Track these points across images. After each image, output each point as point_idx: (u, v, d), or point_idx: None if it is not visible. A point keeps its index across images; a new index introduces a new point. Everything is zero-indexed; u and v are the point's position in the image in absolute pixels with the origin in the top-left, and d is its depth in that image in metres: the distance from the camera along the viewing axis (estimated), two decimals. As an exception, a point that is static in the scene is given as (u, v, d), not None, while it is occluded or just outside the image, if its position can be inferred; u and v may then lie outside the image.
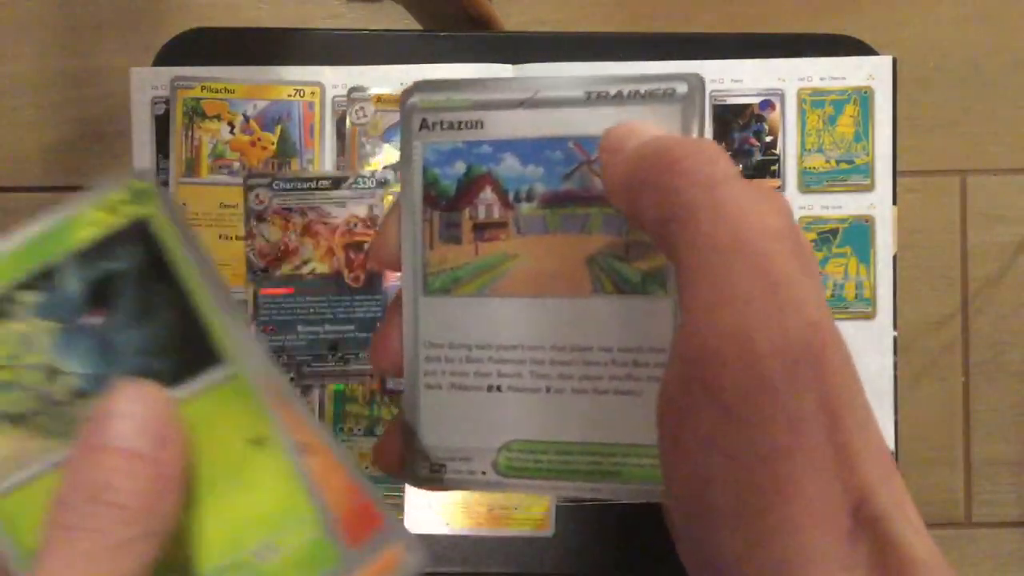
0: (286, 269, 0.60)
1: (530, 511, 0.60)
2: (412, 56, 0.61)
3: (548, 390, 0.26)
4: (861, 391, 0.22)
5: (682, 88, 0.25)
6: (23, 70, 0.66)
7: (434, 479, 0.27)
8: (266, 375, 0.22)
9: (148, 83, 0.61)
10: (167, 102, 0.60)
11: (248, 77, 0.60)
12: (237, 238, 0.60)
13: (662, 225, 0.22)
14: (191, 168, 0.60)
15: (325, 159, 0.60)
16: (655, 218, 0.23)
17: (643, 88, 0.25)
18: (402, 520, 0.25)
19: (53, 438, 0.22)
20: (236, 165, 0.60)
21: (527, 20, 0.68)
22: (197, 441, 0.22)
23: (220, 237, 0.60)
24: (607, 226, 0.26)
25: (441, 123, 0.26)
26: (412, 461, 0.27)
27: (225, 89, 0.60)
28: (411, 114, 0.27)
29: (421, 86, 0.27)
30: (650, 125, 0.24)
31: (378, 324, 0.29)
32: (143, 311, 0.22)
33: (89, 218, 0.22)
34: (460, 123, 0.26)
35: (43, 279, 0.22)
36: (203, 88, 0.60)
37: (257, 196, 0.60)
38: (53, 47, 0.67)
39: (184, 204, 0.60)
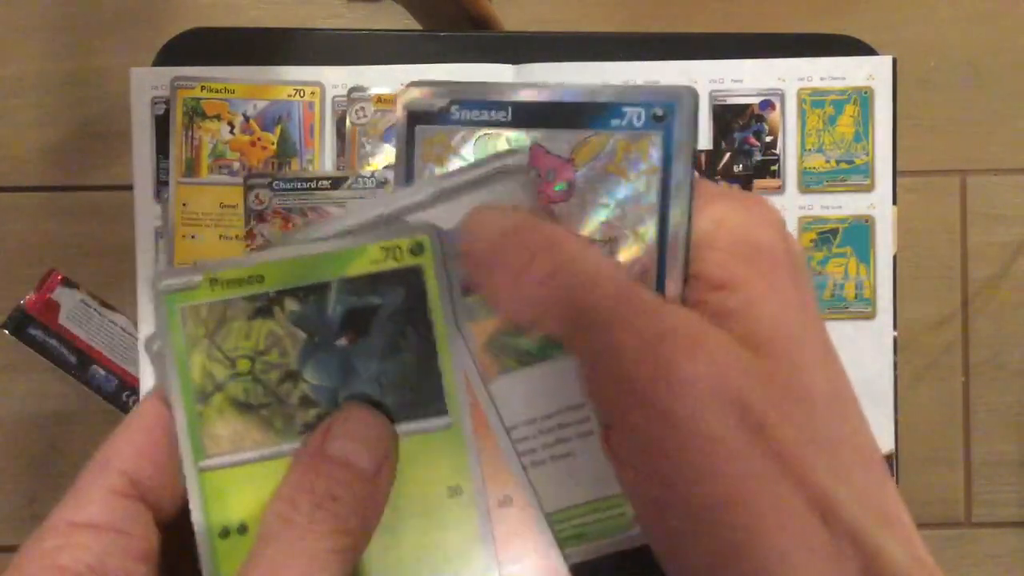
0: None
1: (530, 511, 0.60)
2: (412, 56, 0.61)
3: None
4: (805, 403, 0.21)
5: (513, 162, 0.25)
6: (23, 70, 0.66)
7: None
8: (476, 423, 0.25)
9: (148, 83, 0.61)
10: (167, 102, 0.60)
11: (248, 77, 0.60)
12: (237, 238, 0.60)
13: (577, 348, 0.23)
14: (191, 168, 0.60)
15: (325, 159, 0.60)
16: (566, 338, 0.23)
17: (477, 174, 0.25)
18: None
19: (271, 434, 0.24)
20: (236, 165, 0.60)
21: (527, 20, 0.68)
22: (404, 477, 0.24)
23: (220, 237, 0.60)
24: (490, 308, 0.25)
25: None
26: None
27: (225, 89, 0.60)
28: None
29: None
30: (504, 214, 0.24)
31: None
32: (389, 347, 0.24)
33: (371, 254, 0.24)
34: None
35: (310, 293, 0.24)
36: (203, 88, 0.60)
37: (257, 196, 0.60)
38: (53, 47, 0.67)
39: (184, 204, 0.60)
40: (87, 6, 0.67)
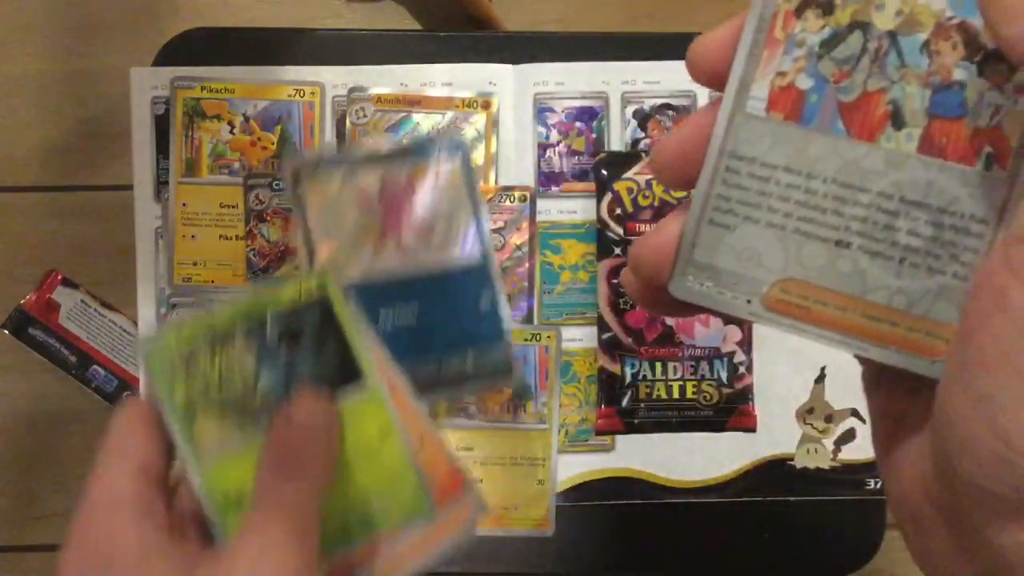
0: (286, 269, 0.60)
1: (530, 511, 0.60)
2: (412, 56, 0.61)
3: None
4: None
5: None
6: (23, 70, 0.66)
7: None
8: (392, 386, 0.35)
9: (148, 83, 0.61)
10: (167, 102, 0.60)
11: (248, 77, 0.60)
12: (237, 238, 0.60)
13: None
14: (191, 168, 0.60)
15: (325, 159, 0.60)
16: None
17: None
18: (478, 488, 0.36)
19: (246, 429, 0.33)
20: (236, 165, 0.60)
21: (527, 20, 0.68)
22: (347, 431, 0.34)
23: (220, 237, 0.60)
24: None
25: None
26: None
27: (225, 89, 0.60)
28: None
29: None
30: None
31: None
32: (317, 350, 0.34)
33: (288, 294, 0.35)
34: None
35: (254, 325, 0.34)
36: (203, 88, 0.60)
37: (257, 196, 0.60)
38: (53, 47, 0.67)
39: (184, 204, 0.60)
40: (87, 6, 0.67)
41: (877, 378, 0.25)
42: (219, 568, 0.29)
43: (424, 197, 0.41)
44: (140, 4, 0.67)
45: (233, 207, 0.60)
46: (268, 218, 0.60)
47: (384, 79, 0.61)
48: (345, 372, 0.35)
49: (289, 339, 0.34)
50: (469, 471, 0.35)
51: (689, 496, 0.61)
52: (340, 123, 0.61)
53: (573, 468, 0.60)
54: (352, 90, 0.60)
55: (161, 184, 0.61)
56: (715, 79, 0.25)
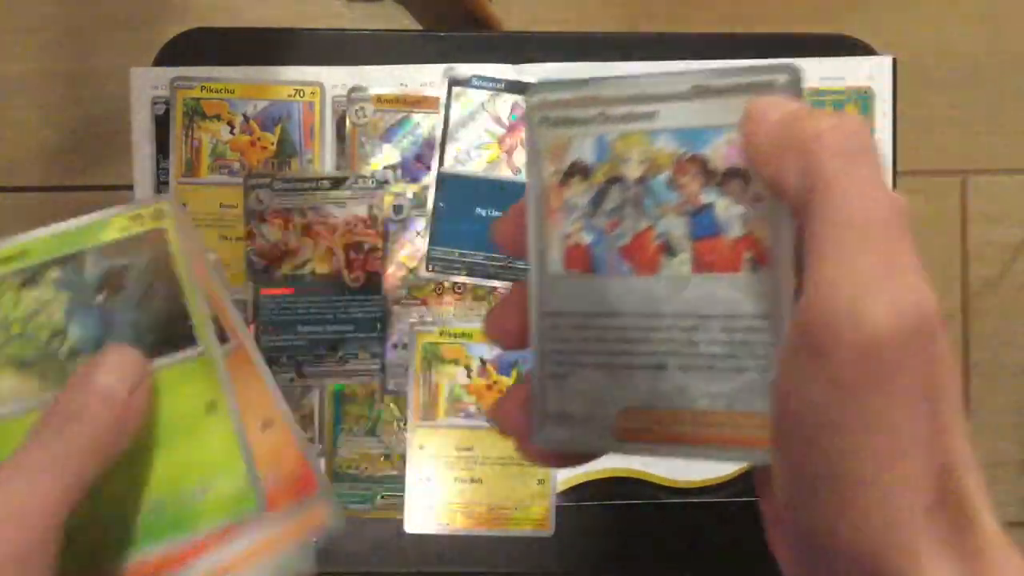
0: (286, 269, 0.60)
1: (530, 511, 0.60)
2: (412, 56, 0.61)
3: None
4: (959, 382, 0.23)
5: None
6: (23, 70, 0.66)
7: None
8: (239, 358, 0.29)
9: (148, 83, 0.61)
10: (167, 102, 0.60)
11: (248, 77, 0.60)
12: (237, 238, 0.60)
13: (802, 194, 0.23)
14: (191, 168, 0.60)
15: (325, 159, 0.60)
16: (796, 186, 0.23)
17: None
18: (332, 490, 0.32)
19: (47, 384, 0.28)
20: (236, 165, 0.60)
21: (527, 20, 0.68)
22: (164, 401, 0.28)
23: (220, 237, 0.60)
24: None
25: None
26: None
27: (225, 89, 0.60)
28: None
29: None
30: (789, 101, 0.25)
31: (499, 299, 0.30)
32: (143, 298, 0.29)
33: (118, 223, 0.29)
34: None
35: (70, 261, 0.28)
36: (203, 88, 0.60)
37: (257, 196, 0.60)
38: (53, 47, 0.67)
39: (184, 205, 0.60)
40: (87, 6, 0.67)
41: (763, 479, 0.28)
42: None
43: None
44: (140, 4, 0.67)
45: (233, 207, 0.60)
46: (268, 218, 0.60)
47: (384, 79, 0.61)
48: (172, 329, 0.29)
49: (110, 284, 0.29)
50: (324, 476, 0.29)
51: (690, 496, 0.61)
52: (340, 123, 0.61)
53: (573, 468, 0.60)
54: (352, 90, 0.60)
55: (161, 184, 0.61)
56: (518, 251, 0.29)
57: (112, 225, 0.29)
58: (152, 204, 0.29)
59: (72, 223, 0.29)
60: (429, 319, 0.60)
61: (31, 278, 0.28)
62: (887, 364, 0.21)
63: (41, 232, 0.29)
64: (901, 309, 0.22)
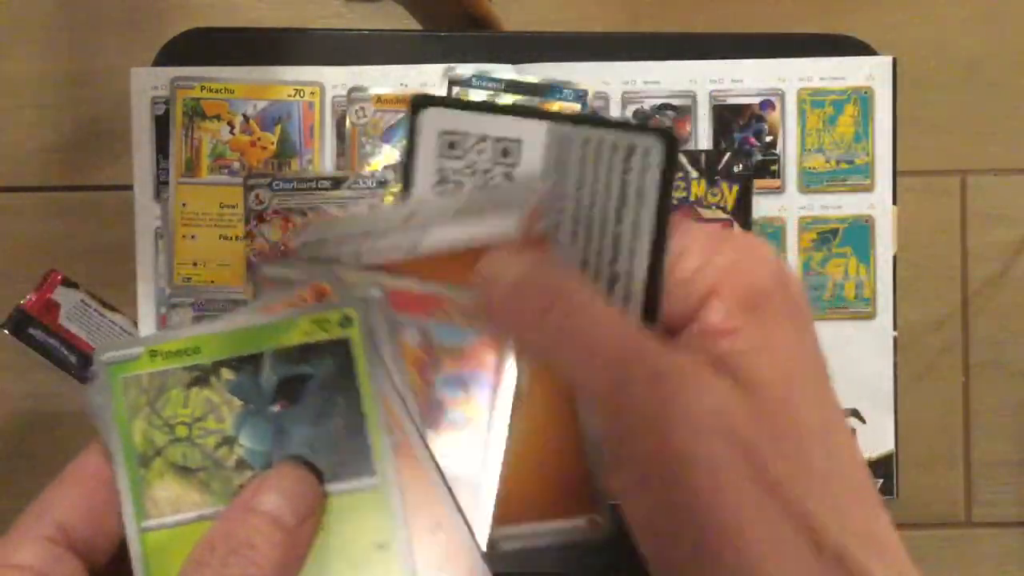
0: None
1: (530, 511, 0.60)
2: (412, 56, 0.61)
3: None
4: (797, 439, 0.23)
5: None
6: (23, 70, 0.66)
7: None
8: (403, 453, 0.26)
9: (148, 83, 0.61)
10: (167, 102, 0.60)
11: (248, 77, 0.60)
12: (237, 238, 0.60)
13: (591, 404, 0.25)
14: (191, 168, 0.60)
15: (325, 159, 0.60)
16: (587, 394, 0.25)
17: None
18: None
19: (209, 495, 0.26)
20: (236, 165, 0.60)
21: (527, 20, 0.68)
22: (332, 531, 0.26)
23: (220, 237, 0.60)
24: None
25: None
26: None
27: (225, 89, 0.60)
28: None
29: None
30: (526, 258, 0.25)
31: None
32: (320, 413, 0.26)
33: (302, 327, 0.26)
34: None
35: (246, 363, 0.26)
36: (203, 88, 0.60)
37: (257, 196, 0.60)
38: (53, 47, 0.67)
39: (184, 204, 0.60)
40: (87, 6, 0.67)
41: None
42: None
43: None
44: (140, 4, 0.67)
45: (233, 207, 0.60)
46: (268, 218, 0.60)
47: (384, 79, 0.61)
48: (349, 453, 0.26)
49: (287, 393, 0.26)
50: None
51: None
52: (340, 123, 0.61)
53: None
54: (352, 90, 0.60)
55: (161, 184, 0.61)
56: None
57: (295, 328, 0.26)
58: (339, 310, 0.26)
59: (252, 320, 0.26)
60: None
61: (202, 377, 0.26)
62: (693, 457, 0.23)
63: (217, 326, 0.26)
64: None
